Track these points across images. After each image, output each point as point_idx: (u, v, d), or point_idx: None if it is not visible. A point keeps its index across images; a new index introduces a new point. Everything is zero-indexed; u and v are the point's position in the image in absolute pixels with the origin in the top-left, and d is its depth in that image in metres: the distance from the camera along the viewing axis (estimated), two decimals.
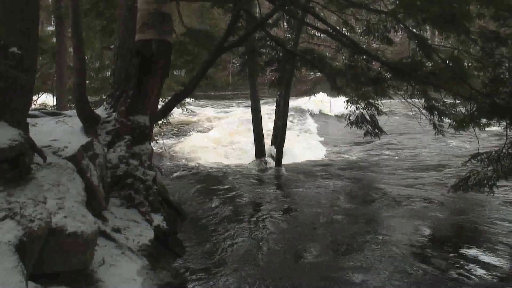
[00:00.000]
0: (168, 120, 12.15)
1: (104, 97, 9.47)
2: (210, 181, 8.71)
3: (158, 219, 5.46)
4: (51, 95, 13.06)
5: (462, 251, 5.37)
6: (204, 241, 5.57)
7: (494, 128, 6.21)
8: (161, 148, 12.45)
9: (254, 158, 11.42)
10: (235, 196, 7.62)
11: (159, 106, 6.85)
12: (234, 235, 5.79)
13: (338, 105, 19.28)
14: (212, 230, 5.97)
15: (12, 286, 2.83)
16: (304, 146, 13.87)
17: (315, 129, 16.93)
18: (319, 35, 12.09)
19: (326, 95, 18.28)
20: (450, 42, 6.27)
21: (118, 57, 5.94)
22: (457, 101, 7.03)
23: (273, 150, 11.34)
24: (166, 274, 4.34)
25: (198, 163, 11.53)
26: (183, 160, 12.19)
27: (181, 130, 16.40)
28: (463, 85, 5.69)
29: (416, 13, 5.11)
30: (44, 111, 6.01)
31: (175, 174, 9.38)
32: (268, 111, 15.54)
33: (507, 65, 5.32)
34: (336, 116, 18.50)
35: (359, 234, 5.82)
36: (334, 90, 7.60)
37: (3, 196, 3.42)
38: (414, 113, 7.87)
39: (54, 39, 12.29)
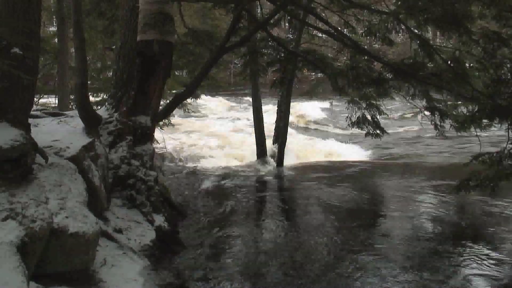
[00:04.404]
0: (170, 121, 12.15)
1: (105, 97, 9.50)
2: (211, 181, 8.71)
3: (159, 219, 5.48)
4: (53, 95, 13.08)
5: (464, 251, 5.36)
6: (206, 241, 5.57)
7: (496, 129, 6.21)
8: (162, 148, 12.46)
9: (256, 158, 11.43)
10: (236, 196, 7.63)
11: (161, 107, 6.88)
12: (235, 235, 5.79)
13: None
14: (213, 230, 5.97)
15: (13, 287, 2.84)
16: (305, 147, 13.88)
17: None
18: (321, 35, 12.09)
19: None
20: (452, 42, 6.27)
21: (120, 57, 5.97)
22: (459, 102, 7.03)
23: (275, 150, 11.34)
24: (168, 274, 4.36)
25: (199, 163, 11.54)
26: (185, 160, 12.19)
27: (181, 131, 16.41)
28: (465, 86, 5.69)
29: (417, 14, 5.11)
30: (46, 112, 6.04)
31: (177, 174, 9.38)
32: (269, 111, 15.59)
33: (509, 65, 5.31)
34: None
35: (359, 237, 5.81)
36: (336, 91, 7.60)
37: (5, 196, 3.44)
38: (415, 113, 7.87)
39: (56, 40, 12.33)
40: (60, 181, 4.03)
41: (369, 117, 8.44)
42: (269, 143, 11.92)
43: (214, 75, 11.88)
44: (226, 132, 16.10)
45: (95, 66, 12.55)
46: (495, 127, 5.66)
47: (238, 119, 18.82)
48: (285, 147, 10.97)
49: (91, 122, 5.43)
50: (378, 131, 8.62)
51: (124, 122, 5.64)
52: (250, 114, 13.15)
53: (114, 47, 7.60)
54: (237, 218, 6.49)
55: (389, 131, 9.13)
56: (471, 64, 5.89)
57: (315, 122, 19.34)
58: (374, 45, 10.08)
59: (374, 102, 8.23)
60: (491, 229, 6.11)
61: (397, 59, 6.79)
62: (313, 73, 18.09)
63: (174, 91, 10.61)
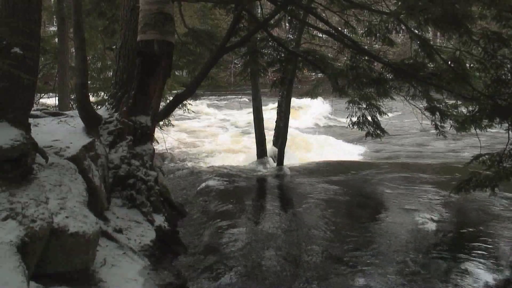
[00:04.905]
0: (170, 121, 12.15)
1: (106, 97, 9.49)
2: (211, 181, 8.70)
3: (159, 219, 5.48)
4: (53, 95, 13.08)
5: (464, 252, 5.37)
6: (206, 241, 5.57)
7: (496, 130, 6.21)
8: (162, 148, 12.47)
9: (256, 158, 11.42)
10: (236, 196, 7.63)
11: (161, 107, 6.87)
12: (235, 235, 5.79)
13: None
14: (213, 230, 5.97)
15: (13, 287, 2.84)
16: (306, 147, 13.88)
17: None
18: (321, 35, 12.09)
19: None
20: (452, 43, 6.27)
21: (120, 57, 5.97)
22: (459, 102, 7.03)
23: (275, 150, 11.33)
24: (168, 274, 4.36)
25: (199, 163, 11.54)
26: (185, 160, 12.19)
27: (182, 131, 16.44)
28: (465, 86, 5.69)
29: (418, 14, 5.11)
30: (46, 111, 6.04)
31: (177, 174, 9.38)
32: (269, 111, 15.61)
33: (509, 66, 5.31)
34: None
35: (360, 237, 5.82)
36: (336, 91, 7.59)
37: (5, 196, 3.44)
38: (415, 113, 7.87)
39: (56, 40, 12.32)
40: (60, 181, 4.03)
41: (369, 118, 8.44)
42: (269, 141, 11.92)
43: (214, 75, 11.87)
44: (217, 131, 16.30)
45: (95, 66, 12.54)
46: (495, 127, 5.66)
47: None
48: (285, 146, 10.95)
49: (91, 122, 5.43)
50: (378, 132, 8.61)
51: (124, 122, 5.64)
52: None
53: (114, 47, 7.62)
54: (237, 217, 6.49)
55: (389, 131, 9.14)
56: (472, 65, 5.88)
57: (316, 121, 19.39)
58: (374, 46, 10.06)
59: (375, 102, 8.23)
60: (491, 228, 6.12)
61: (397, 60, 6.78)
62: (313, 73, 18.08)
63: (174, 91, 10.61)
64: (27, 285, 2.93)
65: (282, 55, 8.53)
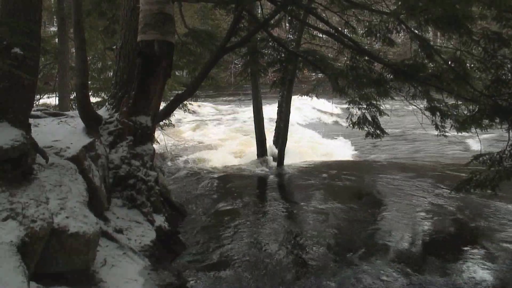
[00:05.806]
0: (170, 121, 12.14)
1: (106, 97, 9.49)
2: (211, 181, 8.71)
3: (160, 219, 5.49)
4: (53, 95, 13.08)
5: (463, 253, 5.37)
6: (206, 241, 5.57)
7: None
8: (163, 149, 12.46)
9: (256, 158, 11.42)
10: (236, 196, 7.63)
11: (161, 107, 6.88)
12: (236, 235, 5.79)
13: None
14: (213, 230, 5.97)
15: (13, 287, 2.84)
16: (306, 147, 13.87)
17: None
18: (321, 36, 12.08)
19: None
20: (452, 43, 6.26)
21: (121, 57, 5.98)
22: (459, 102, 7.02)
23: (275, 150, 11.33)
24: (168, 274, 4.36)
25: (199, 163, 11.54)
26: (185, 161, 12.19)
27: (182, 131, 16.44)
28: (465, 86, 5.69)
29: (418, 14, 5.11)
30: (46, 112, 6.04)
31: (177, 175, 9.38)
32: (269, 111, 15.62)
33: (509, 66, 5.31)
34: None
35: (360, 236, 5.82)
36: (336, 91, 7.58)
37: (6, 196, 3.44)
38: (415, 113, 7.86)
39: (57, 40, 12.33)
40: (60, 181, 4.03)
41: (369, 118, 8.43)
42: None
43: (214, 75, 11.87)
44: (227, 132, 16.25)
45: (96, 66, 12.55)
46: (497, 127, 5.66)
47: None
48: (286, 146, 10.95)
49: (92, 122, 5.44)
50: (378, 132, 8.60)
51: (124, 122, 5.64)
52: None
53: (114, 47, 7.62)
54: (237, 217, 6.49)
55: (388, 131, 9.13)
56: (472, 65, 5.88)
57: (317, 121, 19.38)
58: (374, 46, 10.07)
59: (375, 102, 8.21)
60: (490, 227, 6.12)
61: (397, 60, 6.77)
62: (314, 74, 18.08)
63: (174, 91, 10.61)
64: (27, 285, 2.93)
65: (282, 55, 8.53)
